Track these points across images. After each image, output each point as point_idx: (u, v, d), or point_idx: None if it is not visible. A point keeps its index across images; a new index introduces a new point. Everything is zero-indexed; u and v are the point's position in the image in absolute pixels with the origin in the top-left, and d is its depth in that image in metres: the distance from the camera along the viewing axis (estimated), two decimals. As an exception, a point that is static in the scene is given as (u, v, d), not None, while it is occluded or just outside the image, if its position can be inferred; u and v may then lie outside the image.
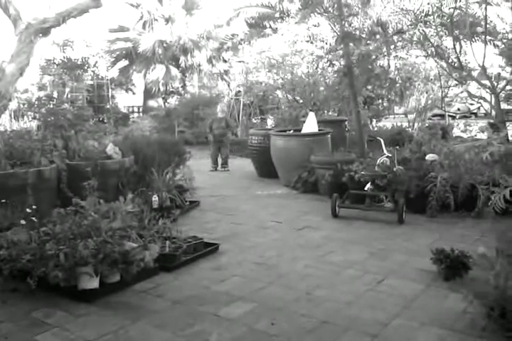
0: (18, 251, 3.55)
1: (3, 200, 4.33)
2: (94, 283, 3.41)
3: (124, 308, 3.30)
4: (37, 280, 3.35)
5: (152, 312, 3.22)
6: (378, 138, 7.00)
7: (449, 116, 14.08)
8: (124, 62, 18.10)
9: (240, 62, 17.25)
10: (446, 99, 11.96)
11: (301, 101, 12.97)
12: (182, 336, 2.89)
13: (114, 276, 3.54)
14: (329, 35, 10.03)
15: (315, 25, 10.07)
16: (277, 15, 8.69)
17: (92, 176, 5.04)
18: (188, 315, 3.17)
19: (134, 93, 19.68)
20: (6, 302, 3.39)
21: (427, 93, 12.90)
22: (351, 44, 8.21)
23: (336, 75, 11.56)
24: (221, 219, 5.87)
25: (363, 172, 6.08)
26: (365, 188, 5.95)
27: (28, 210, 4.03)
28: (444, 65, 8.68)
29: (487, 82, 7.70)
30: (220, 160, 10.06)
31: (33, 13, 7.93)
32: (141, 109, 19.30)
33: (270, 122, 15.00)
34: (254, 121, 15.86)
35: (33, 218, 3.91)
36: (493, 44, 8.22)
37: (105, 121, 15.26)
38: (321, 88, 12.74)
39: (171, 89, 18.33)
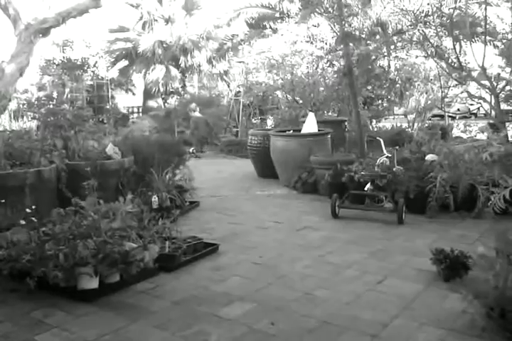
0: (18, 251, 3.55)
1: (3, 200, 4.32)
2: (93, 283, 3.40)
3: (124, 308, 3.30)
4: (36, 281, 3.35)
5: (152, 313, 3.22)
6: (378, 138, 7.00)
7: (449, 116, 14.07)
8: (123, 63, 18.08)
9: (239, 62, 17.25)
10: (446, 100, 11.96)
11: (300, 101, 12.96)
12: (181, 336, 2.89)
13: (113, 276, 3.54)
14: (329, 35, 10.04)
15: (315, 26, 10.08)
16: (277, 15, 8.67)
17: (92, 176, 5.04)
18: (188, 316, 3.17)
19: (133, 93, 19.65)
20: (6, 302, 3.38)
21: (426, 93, 12.88)
22: (351, 44, 8.21)
23: (335, 76, 11.57)
24: (221, 219, 5.87)
25: (362, 173, 6.07)
26: (365, 188, 5.94)
27: (27, 210, 4.03)
28: (444, 65, 8.67)
29: (487, 83, 7.69)
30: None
31: (33, 14, 7.95)
32: (140, 110, 19.27)
33: (270, 122, 14.99)
34: (254, 122, 15.85)
35: (33, 218, 3.91)
36: (493, 44, 8.21)
37: (105, 121, 15.24)
38: (321, 88, 12.72)
39: (171, 90, 18.29)
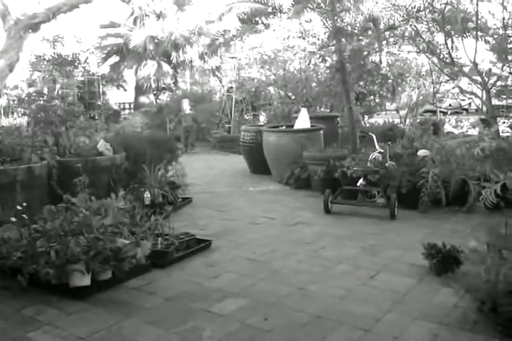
0: (9, 248, 3.53)
1: (-7, 197, 4.29)
2: (85, 280, 3.38)
3: (116, 305, 3.28)
4: (28, 278, 3.33)
5: (144, 309, 3.21)
6: (370, 133, 7.02)
7: (441, 111, 14.14)
8: (115, 58, 17.95)
9: (232, 58, 17.18)
10: (438, 95, 12.02)
11: (293, 97, 12.96)
12: (175, 332, 2.89)
13: (105, 273, 3.52)
14: (321, 30, 10.02)
15: (307, 21, 10.04)
16: (270, 10, 8.64)
17: (83, 173, 4.99)
18: (181, 312, 3.17)
19: (125, 89, 19.52)
20: (-3, 300, 3.36)
21: (418, 89, 12.94)
22: (343, 40, 8.20)
23: (328, 71, 11.56)
24: (214, 215, 5.86)
25: (355, 168, 6.09)
26: (358, 184, 5.96)
27: (18, 207, 3.99)
28: (436, 60, 8.69)
29: (478, 78, 7.72)
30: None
31: (23, 9, 7.86)
32: (132, 106, 19.16)
33: (262, 118, 14.97)
34: (247, 118, 15.83)
35: (24, 215, 3.87)
36: (484, 40, 8.23)
37: (96, 117, 15.14)
38: (314, 84, 12.72)
39: (163, 86, 18.21)
